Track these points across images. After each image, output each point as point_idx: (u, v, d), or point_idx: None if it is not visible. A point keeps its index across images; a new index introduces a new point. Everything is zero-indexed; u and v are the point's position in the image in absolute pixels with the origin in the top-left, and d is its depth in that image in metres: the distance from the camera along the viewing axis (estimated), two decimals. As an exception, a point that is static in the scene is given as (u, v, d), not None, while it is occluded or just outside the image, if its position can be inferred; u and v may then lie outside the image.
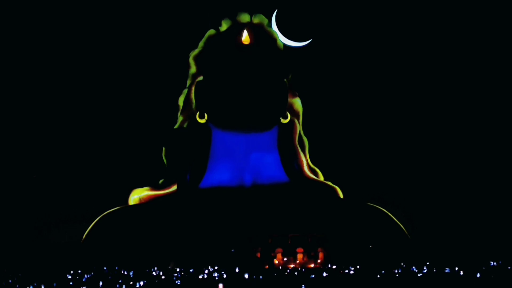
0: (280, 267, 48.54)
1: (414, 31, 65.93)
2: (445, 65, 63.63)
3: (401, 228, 52.98)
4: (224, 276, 37.10)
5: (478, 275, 34.51)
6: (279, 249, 51.05)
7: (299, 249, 51.25)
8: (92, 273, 41.65)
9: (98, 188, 60.22)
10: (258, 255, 50.65)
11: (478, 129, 61.31)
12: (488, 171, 58.92)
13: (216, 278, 35.34)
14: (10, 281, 34.82)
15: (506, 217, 54.36)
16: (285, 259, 50.74)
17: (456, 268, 40.88)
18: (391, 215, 53.58)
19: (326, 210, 53.44)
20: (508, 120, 60.50)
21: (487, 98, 62.05)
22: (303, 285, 27.46)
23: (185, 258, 47.96)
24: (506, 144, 59.41)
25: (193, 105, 60.56)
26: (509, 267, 39.80)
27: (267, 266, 49.12)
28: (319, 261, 51.54)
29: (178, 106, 62.05)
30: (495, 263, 44.27)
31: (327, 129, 64.81)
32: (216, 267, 45.53)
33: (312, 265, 50.04)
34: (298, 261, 51.02)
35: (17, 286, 31.21)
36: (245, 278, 35.86)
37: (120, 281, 34.08)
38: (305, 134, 62.17)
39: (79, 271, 42.25)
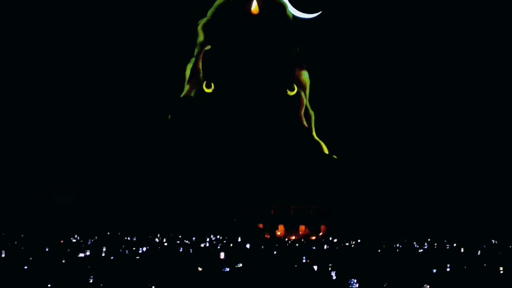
0: (282, 238, 48.87)
1: (429, 3, 65.08)
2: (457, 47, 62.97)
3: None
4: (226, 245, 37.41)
5: (479, 252, 34.72)
6: (281, 221, 51.35)
7: (301, 224, 51.54)
8: (96, 237, 42.04)
9: (107, 152, 60.16)
10: (261, 226, 50.96)
11: (480, 109, 61.04)
12: (491, 150, 58.77)
13: (218, 247, 35.62)
14: (15, 242, 35.21)
15: (508, 196, 54.37)
16: (287, 230, 51.07)
17: (455, 245, 41.12)
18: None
19: (329, 183, 53.55)
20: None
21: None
22: (303, 257, 27.63)
23: (188, 227, 48.29)
24: (505, 125, 59.25)
25: (201, 74, 60.35)
26: (510, 246, 39.96)
27: (268, 236, 49.42)
28: (320, 233, 51.85)
29: (185, 74, 61.82)
30: (496, 241, 44.47)
31: (334, 102, 64.50)
32: (218, 236, 45.86)
33: (313, 238, 50.36)
34: (300, 233, 51.34)
35: (22, 248, 31.52)
36: (247, 248, 36.15)
37: (123, 246, 34.40)
38: (311, 107, 61.98)
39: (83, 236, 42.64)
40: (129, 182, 53.50)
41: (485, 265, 25.46)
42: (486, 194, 55.71)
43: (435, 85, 64.36)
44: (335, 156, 58.85)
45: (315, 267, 22.80)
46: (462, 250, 37.47)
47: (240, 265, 23.44)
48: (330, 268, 22.36)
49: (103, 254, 28.87)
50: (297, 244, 40.59)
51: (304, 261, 26.40)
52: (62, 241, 37.41)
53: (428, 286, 18.01)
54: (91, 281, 18.80)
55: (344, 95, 66.45)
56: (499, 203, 54.40)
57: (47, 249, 30.42)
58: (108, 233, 46.79)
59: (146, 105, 63.98)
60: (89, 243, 36.75)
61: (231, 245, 38.40)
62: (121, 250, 31.51)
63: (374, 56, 67.21)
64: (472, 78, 61.75)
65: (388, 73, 66.16)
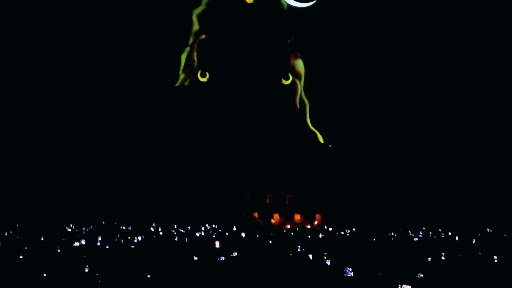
0: (277, 227, 48.97)
1: None
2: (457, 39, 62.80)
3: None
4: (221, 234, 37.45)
5: (474, 241, 34.87)
6: (276, 210, 51.48)
7: (296, 213, 51.69)
8: (91, 227, 42.06)
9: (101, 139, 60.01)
10: (256, 214, 51.06)
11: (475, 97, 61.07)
12: (485, 139, 58.86)
13: (214, 236, 35.67)
14: (10, 232, 35.19)
15: (503, 183, 54.55)
16: (282, 219, 51.17)
17: (450, 233, 41.31)
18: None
19: (324, 172, 53.65)
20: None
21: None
22: (298, 245, 27.70)
23: (183, 216, 48.34)
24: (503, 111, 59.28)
25: (195, 63, 60.21)
26: (505, 234, 40.17)
27: (262, 223, 49.51)
28: (316, 222, 51.98)
29: (179, 64, 61.65)
30: (491, 230, 44.68)
31: (329, 92, 64.43)
32: (213, 225, 45.93)
33: (309, 226, 50.48)
34: (295, 222, 51.46)
35: (17, 237, 31.51)
36: (242, 237, 36.19)
37: (118, 235, 34.42)
38: (306, 96, 61.93)
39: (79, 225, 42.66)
40: (124, 171, 53.49)
41: (480, 253, 25.58)
42: (481, 183, 55.88)
43: (431, 74, 64.34)
44: (330, 145, 58.94)
45: (310, 256, 22.84)
46: (456, 238, 37.68)
47: (235, 254, 23.46)
48: (325, 257, 22.42)
49: (98, 244, 28.88)
50: (292, 233, 40.66)
51: (299, 250, 26.45)
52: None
53: (422, 275, 18.04)
54: (86, 270, 18.78)
55: (340, 85, 66.37)
56: (494, 192, 54.58)
57: (42, 239, 30.43)
58: (104, 223, 46.82)
59: (140, 94, 63.76)
60: (84, 232, 36.80)
61: (227, 234, 38.45)
62: (116, 240, 31.53)
63: (371, 45, 67.08)
64: (469, 70, 61.71)
65: (385, 63, 66.06)
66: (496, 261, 22.84)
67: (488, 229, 45.11)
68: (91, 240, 29.79)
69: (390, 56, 65.09)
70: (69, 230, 39.22)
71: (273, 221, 51.38)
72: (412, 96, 63.99)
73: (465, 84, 60.61)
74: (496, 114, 60.21)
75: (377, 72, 66.48)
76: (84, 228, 39.62)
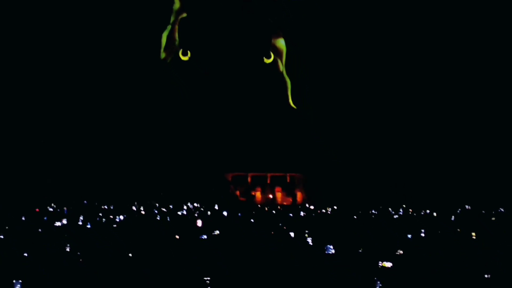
0: (259, 206, 49.18)
1: None
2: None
3: None
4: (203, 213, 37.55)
5: (453, 218, 35.33)
6: (258, 188, 51.64)
7: (278, 188, 51.88)
8: (72, 206, 41.91)
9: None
10: (238, 193, 51.23)
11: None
12: (464, 115, 59.10)
13: (196, 215, 35.76)
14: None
15: (482, 159, 55.03)
16: (264, 197, 51.41)
17: (429, 211, 41.79)
18: None
19: (305, 150, 53.83)
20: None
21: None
22: (280, 224, 27.89)
23: (165, 195, 48.35)
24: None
25: (176, 42, 59.75)
26: (483, 211, 40.71)
27: (244, 199, 49.74)
28: (297, 200, 52.29)
29: (161, 42, 61.09)
30: (469, 207, 45.25)
31: (311, 71, 64.12)
32: (195, 204, 46.02)
33: (290, 201, 50.74)
34: (277, 200, 51.73)
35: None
36: (224, 215, 36.34)
37: (100, 214, 34.38)
38: (288, 75, 61.73)
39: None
40: (104, 149, 53.21)
41: (458, 230, 25.93)
42: (460, 159, 56.31)
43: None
44: (310, 120, 58.73)
45: (292, 234, 23.00)
46: (435, 215, 38.15)
47: (217, 232, 23.57)
48: (306, 235, 22.57)
49: (80, 223, 28.82)
50: (273, 211, 40.89)
51: (280, 227, 26.63)
52: (37, 210, 37.28)
53: (402, 252, 18.28)
54: (67, 249, 18.76)
55: (322, 64, 65.82)
56: (472, 168, 55.07)
57: (23, 218, 30.28)
58: (85, 202, 46.67)
59: (121, 73, 63.02)
60: (65, 212, 36.67)
61: (208, 213, 38.57)
62: (98, 219, 31.48)
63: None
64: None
65: (376, 47, 65.39)
66: (474, 237, 23.18)
67: (467, 206, 45.69)
68: (72, 219, 29.72)
69: (383, 40, 64.51)
70: (51, 209, 39.07)
71: (255, 199, 51.61)
72: (395, 72, 63.62)
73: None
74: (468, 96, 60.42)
75: (367, 57, 65.74)
76: (65, 208, 39.49)
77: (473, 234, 23.57)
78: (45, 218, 30.82)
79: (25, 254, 17.46)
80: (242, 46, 58.82)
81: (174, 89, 57.98)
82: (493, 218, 35.13)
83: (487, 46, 59.17)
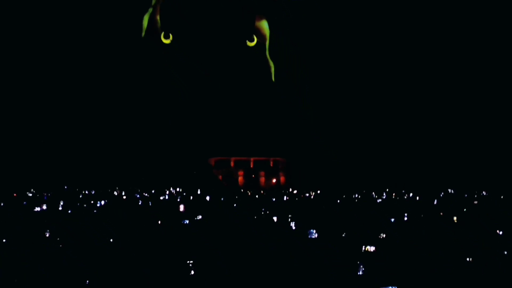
0: (242, 190, 49.14)
1: None
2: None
3: None
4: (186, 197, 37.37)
5: (435, 201, 35.47)
6: (241, 172, 51.57)
7: (261, 172, 51.86)
8: (52, 192, 41.51)
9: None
10: (220, 177, 51.12)
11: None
12: (448, 103, 59.41)
13: (178, 200, 35.57)
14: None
15: (465, 144, 55.35)
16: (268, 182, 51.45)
17: (411, 194, 41.98)
18: None
19: (288, 134, 53.77)
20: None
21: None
22: (263, 208, 27.78)
23: (147, 179, 48.09)
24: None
25: (158, 25, 59.14)
26: (466, 195, 40.97)
27: (226, 184, 49.68)
28: (280, 183, 52.30)
29: (142, 25, 60.43)
30: (452, 191, 45.52)
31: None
32: (178, 189, 45.82)
33: (273, 182, 50.78)
34: (260, 184, 51.74)
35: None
36: (207, 200, 36.18)
37: (81, 199, 34.06)
38: (271, 58, 61.43)
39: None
40: (86, 134, 52.75)
41: (441, 214, 26.01)
42: (442, 144, 56.61)
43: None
44: (296, 107, 58.77)
45: (275, 218, 22.90)
46: (417, 198, 38.30)
47: (200, 217, 23.39)
48: (289, 219, 22.49)
49: (60, 208, 28.48)
50: (256, 196, 40.81)
51: (263, 212, 26.52)
52: (15, 195, 36.86)
53: (385, 235, 18.23)
54: (47, 235, 18.48)
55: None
56: (455, 152, 55.39)
57: (1, 204, 29.86)
58: (66, 187, 46.27)
59: (102, 58, 62.33)
60: (45, 197, 36.27)
61: (191, 197, 38.38)
62: (78, 204, 31.15)
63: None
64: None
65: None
66: (455, 221, 23.25)
67: (449, 190, 45.96)
68: (52, 205, 29.37)
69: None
70: (30, 195, 38.64)
71: (238, 183, 51.56)
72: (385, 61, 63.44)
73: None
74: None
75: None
76: (45, 194, 39.07)
77: (455, 218, 23.64)
78: (24, 203, 30.46)
79: (4, 240, 17.19)
80: (224, 30, 58.46)
81: (156, 75, 57.58)
82: (476, 202, 35.36)
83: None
